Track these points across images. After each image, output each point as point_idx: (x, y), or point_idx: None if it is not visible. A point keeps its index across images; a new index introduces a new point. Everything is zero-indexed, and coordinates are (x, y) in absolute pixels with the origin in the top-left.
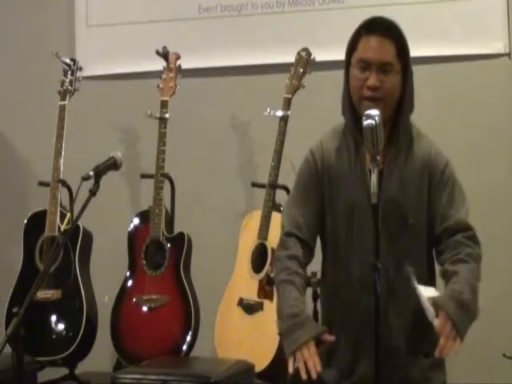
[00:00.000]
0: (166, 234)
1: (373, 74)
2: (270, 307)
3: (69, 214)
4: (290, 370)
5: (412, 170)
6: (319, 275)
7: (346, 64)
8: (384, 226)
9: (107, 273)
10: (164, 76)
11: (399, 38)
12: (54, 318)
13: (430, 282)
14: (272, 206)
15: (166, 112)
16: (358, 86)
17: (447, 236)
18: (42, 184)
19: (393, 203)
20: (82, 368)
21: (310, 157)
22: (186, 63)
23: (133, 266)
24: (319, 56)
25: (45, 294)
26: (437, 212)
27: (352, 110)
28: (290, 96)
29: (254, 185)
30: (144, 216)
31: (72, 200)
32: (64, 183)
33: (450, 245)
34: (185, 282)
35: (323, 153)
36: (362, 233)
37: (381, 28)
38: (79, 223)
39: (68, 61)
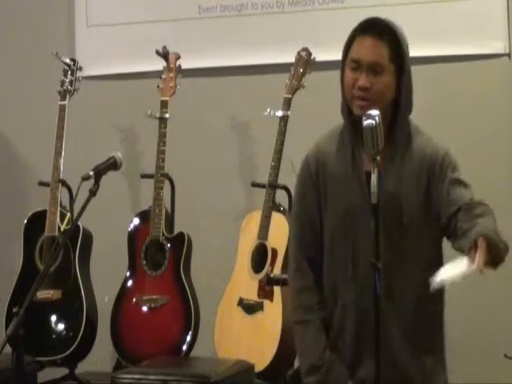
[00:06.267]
0: (165, 234)
1: (363, 74)
2: (270, 307)
3: (69, 214)
4: None
5: (409, 168)
6: None
7: (342, 64)
8: (380, 226)
9: (107, 273)
10: (164, 76)
11: (394, 39)
12: (53, 317)
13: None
14: (272, 206)
15: (166, 112)
16: (350, 85)
17: (456, 215)
18: (42, 184)
19: (389, 203)
20: (82, 368)
21: (304, 164)
22: (186, 63)
23: (133, 266)
24: (319, 56)
25: (45, 294)
26: (442, 203)
27: (349, 110)
28: (289, 96)
29: (254, 185)
30: (144, 216)
31: (72, 200)
32: (64, 183)
33: (460, 217)
34: (185, 282)
35: (318, 156)
36: (360, 233)
37: (375, 29)
38: (79, 223)
39: (68, 61)
